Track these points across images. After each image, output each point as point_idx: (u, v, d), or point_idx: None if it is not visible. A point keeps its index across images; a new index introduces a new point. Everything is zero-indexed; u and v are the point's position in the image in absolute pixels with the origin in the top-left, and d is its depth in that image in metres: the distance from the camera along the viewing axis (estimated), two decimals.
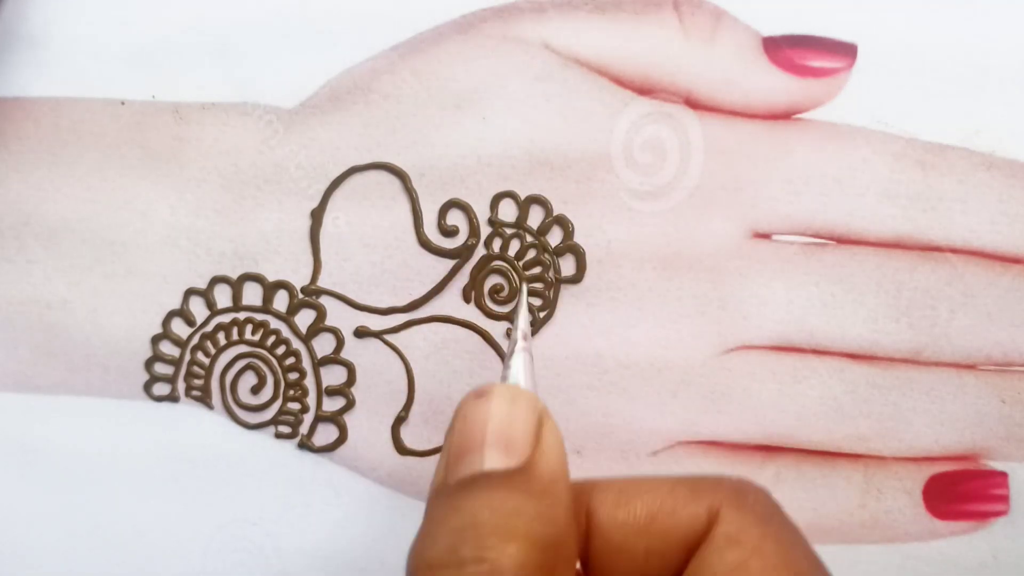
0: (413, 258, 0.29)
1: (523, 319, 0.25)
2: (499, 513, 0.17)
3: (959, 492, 0.27)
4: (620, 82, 0.28)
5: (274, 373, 0.30)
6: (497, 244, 0.29)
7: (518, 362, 0.23)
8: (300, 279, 0.30)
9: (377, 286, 0.29)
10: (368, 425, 0.30)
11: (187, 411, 0.31)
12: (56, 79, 0.31)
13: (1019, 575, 0.26)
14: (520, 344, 0.23)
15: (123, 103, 0.31)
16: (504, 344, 0.29)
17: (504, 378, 0.22)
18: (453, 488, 0.18)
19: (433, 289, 0.29)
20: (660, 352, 0.28)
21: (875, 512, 0.27)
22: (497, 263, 0.29)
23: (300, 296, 0.30)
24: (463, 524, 0.17)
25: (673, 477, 0.20)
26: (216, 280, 0.30)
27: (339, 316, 0.30)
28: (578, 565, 0.20)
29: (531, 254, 0.28)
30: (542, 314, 0.28)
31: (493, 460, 0.18)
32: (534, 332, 0.28)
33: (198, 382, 0.31)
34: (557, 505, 0.18)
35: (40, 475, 0.32)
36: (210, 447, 0.31)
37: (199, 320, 0.31)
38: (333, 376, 0.30)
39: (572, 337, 0.28)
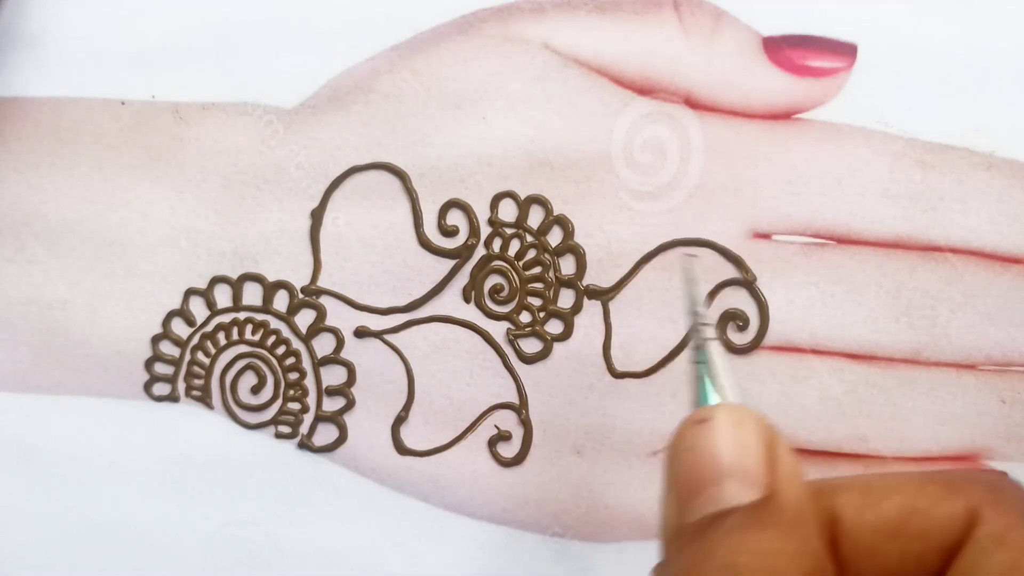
0: (413, 258, 0.29)
1: (701, 305, 0.21)
2: (758, 556, 0.16)
3: None
4: (620, 82, 0.28)
5: (274, 373, 0.30)
6: (497, 244, 0.29)
7: (719, 363, 0.20)
8: (300, 279, 0.30)
9: (377, 286, 0.29)
10: (368, 425, 0.30)
11: (187, 411, 0.31)
12: (56, 79, 0.31)
13: None
14: (706, 331, 0.20)
15: (123, 103, 0.31)
16: (503, 344, 0.29)
17: (701, 379, 0.20)
18: (695, 529, 0.17)
19: (433, 289, 0.29)
20: (659, 352, 0.28)
21: None
22: (497, 263, 0.29)
23: (300, 296, 0.30)
24: (719, 570, 0.16)
25: (920, 473, 0.19)
26: (216, 280, 0.30)
27: (339, 316, 0.30)
28: None
29: (531, 254, 0.28)
30: (554, 330, 0.28)
31: (733, 495, 0.17)
32: (546, 353, 0.28)
33: (198, 382, 0.31)
34: (811, 534, 0.17)
35: (40, 475, 0.32)
36: (210, 447, 0.31)
37: (199, 320, 0.31)
38: (333, 376, 0.30)
39: (572, 337, 0.28)
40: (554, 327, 0.28)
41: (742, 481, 0.17)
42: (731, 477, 0.17)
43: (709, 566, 0.17)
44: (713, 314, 0.27)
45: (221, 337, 0.31)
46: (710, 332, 0.20)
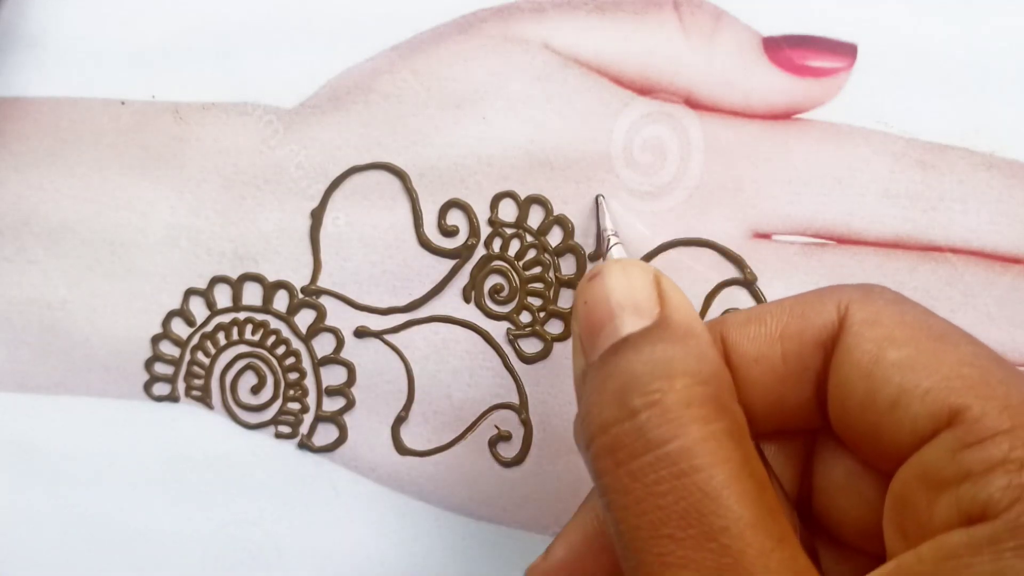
0: (413, 258, 0.29)
1: (606, 219, 0.27)
2: (654, 362, 0.18)
3: None
4: (620, 82, 0.28)
5: (274, 373, 0.30)
6: (497, 244, 0.29)
7: (616, 251, 0.25)
8: (300, 279, 0.30)
9: (377, 286, 0.29)
10: (368, 425, 0.30)
11: (187, 411, 0.31)
12: (56, 79, 0.31)
13: None
14: (613, 239, 0.25)
15: (123, 103, 0.31)
16: (503, 344, 0.29)
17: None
18: (599, 363, 0.19)
19: (433, 289, 0.29)
20: None
21: None
22: (497, 263, 0.29)
23: (300, 296, 0.30)
24: (623, 381, 0.18)
25: (796, 294, 0.20)
26: (216, 280, 0.30)
27: (339, 316, 0.30)
28: None
29: (531, 254, 0.28)
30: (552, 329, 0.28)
31: (628, 325, 0.19)
32: (546, 353, 0.28)
33: (198, 382, 0.31)
34: (702, 344, 0.19)
35: (40, 475, 0.32)
36: (210, 447, 0.31)
37: (199, 320, 0.31)
38: (333, 376, 0.30)
39: (571, 338, 0.28)
40: (554, 327, 0.28)
41: (634, 313, 0.19)
42: (623, 311, 0.19)
43: (612, 383, 0.18)
44: (714, 314, 0.27)
45: (221, 337, 0.31)
46: (615, 239, 0.25)
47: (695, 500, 0.17)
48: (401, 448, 0.29)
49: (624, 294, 0.19)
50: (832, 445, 0.20)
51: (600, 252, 0.26)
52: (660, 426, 0.17)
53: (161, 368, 0.31)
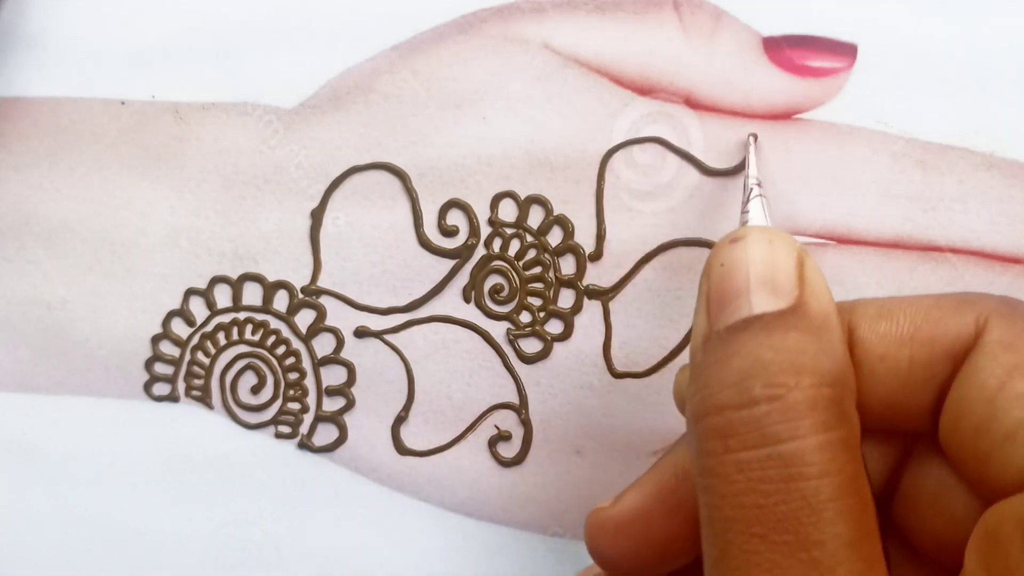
0: (413, 258, 0.29)
1: (753, 167, 0.25)
2: (783, 351, 0.17)
3: None
4: (620, 82, 0.28)
5: (274, 373, 0.30)
6: (497, 244, 0.29)
7: (757, 207, 0.23)
8: (300, 279, 0.30)
9: (377, 286, 0.29)
10: (368, 425, 0.30)
11: (187, 411, 0.31)
12: (56, 79, 0.31)
13: None
14: (756, 191, 0.23)
15: (123, 103, 0.31)
16: (503, 344, 0.29)
17: (744, 223, 0.22)
18: (725, 334, 0.18)
19: (433, 289, 0.29)
20: (659, 352, 0.28)
21: None
22: (497, 263, 0.29)
23: (300, 296, 0.30)
24: (748, 364, 0.17)
25: (936, 294, 0.19)
26: (216, 280, 0.30)
27: (339, 316, 0.30)
28: None
29: (531, 254, 0.28)
30: (556, 331, 0.28)
31: (763, 303, 0.18)
32: (546, 353, 0.28)
33: (198, 382, 0.31)
34: (835, 340, 0.18)
35: (40, 475, 0.32)
36: (210, 447, 0.31)
37: (199, 320, 0.31)
38: (333, 376, 0.30)
39: (572, 336, 0.28)
40: (554, 327, 0.28)
41: (771, 291, 0.18)
42: (761, 287, 0.18)
43: (736, 361, 0.17)
44: None
45: (221, 337, 0.31)
46: (758, 190, 0.23)
47: (797, 507, 0.16)
48: (401, 448, 0.29)
49: (765, 268, 0.19)
50: (931, 453, 0.20)
51: (745, 196, 0.24)
52: (780, 423, 0.16)
53: (161, 368, 0.31)
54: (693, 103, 0.27)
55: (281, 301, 0.30)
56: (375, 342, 0.29)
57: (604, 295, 0.28)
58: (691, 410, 0.18)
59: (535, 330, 0.28)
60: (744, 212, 0.23)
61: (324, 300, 0.30)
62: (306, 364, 0.30)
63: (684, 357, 0.28)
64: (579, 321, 0.28)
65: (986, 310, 0.18)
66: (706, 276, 0.19)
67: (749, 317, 0.18)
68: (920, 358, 0.19)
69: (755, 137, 0.26)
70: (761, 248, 0.19)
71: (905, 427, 0.20)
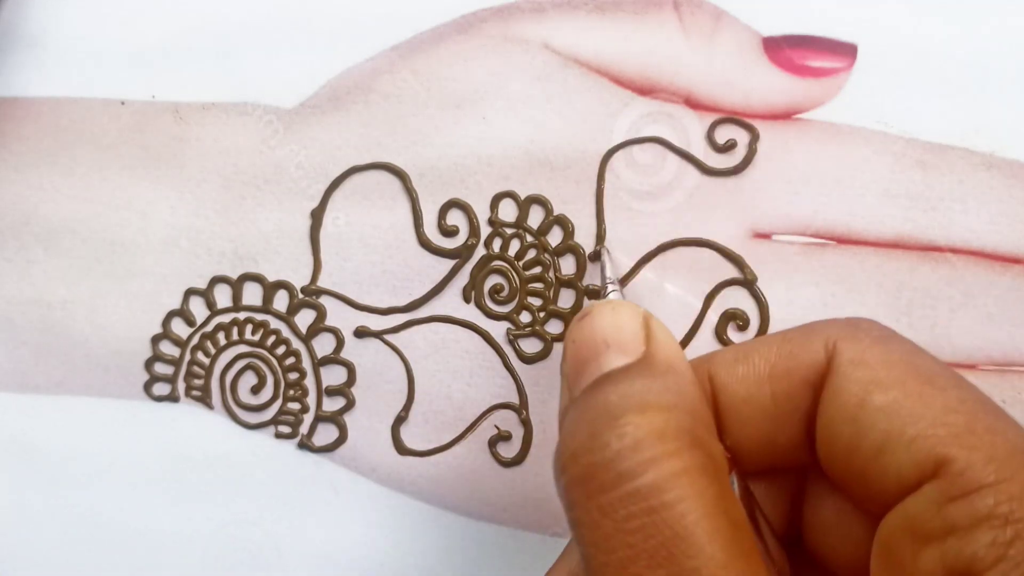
0: (413, 258, 0.29)
1: (609, 268, 0.27)
2: (629, 395, 0.18)
3: None
4: (620, 82, 0.28)
5: (274, 373, 0.30)
6: (497, 244, 0.29)
7: (614, 296, 0.25)
8: (300, 279, 0.30)
9: (377, 286, 0.29)
10: (368, 425, 0.30)
11: (187, 411, 0.31)
12: (56, 79, 0.31)
13: None
14: (611, 287, 0.26)
15: (123, 103, 0.31)
16: (503, 344, 0.29)
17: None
18: (580, 396, 0.19)
19: (433, 289, 0.29)
20: None
21: None
22: (497, 263, 0.29)
23: (300, 296, 0.30)
24: (597, 414, 0.18)
25: (784, 330, 0.20)
26: (216, 280, 0.30)
27: (339, 316, 0.30)
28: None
29: (531, 254, 0.28)
30: (552, 330, 0.28)
31: (612, 362, 0.19)
32: (546, 353, 0.28)
33: (198, 382, 0.31)
34: (682, 380, 0.19)
35: (40, 475, 0.32)
36: (210, 447, 0.31)
37: (199, 320, 0.31)
38: (333, 376, 0.30)
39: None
40: (554, 327, 0.28)
41: (619, 350, 0.19)
42: (609, 349, 0.19)
43: (587, 415, 0.18)
44: (713, 315, 0.27)
45: (221, 337, 0.31)
46: (612, 287, 0.26)
47: (665, 538, 0.16)
48: (401, 448, 0.29)
49: (611, 332, 0.19)
50: (822, 483, 0.20)
51: (603, 292, 0.26)
52: (631, 459, 0.17)
53: (161, 368, 0.31)
54: (693, 103, 0.27)
55: (281, 301, 0.30)
56: (375, 342, 0.29)
57: (604, 295, 0.28)
58: (553, 465, 0.19)
59: (535, 330, 0.28)
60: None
61: (324, 300, 0.30)
62: (306, 364, 0.30)
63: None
64: None
65: (832, 334, 0.19)
66: (563, 358, 0.20)
67: (599, 377, 0.19)
68: (781, 392, 0.19)
69: (605, 249, 0.28)
70: (606, 316, 0.20)
71: (789, 462, 0.20)
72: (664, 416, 0.17)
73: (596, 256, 0.28)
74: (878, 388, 0.18)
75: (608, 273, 0.26)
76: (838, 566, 0.20)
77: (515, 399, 0.29)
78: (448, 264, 0.29)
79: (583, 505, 0.17)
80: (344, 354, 0.30)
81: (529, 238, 0.28)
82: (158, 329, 0.31)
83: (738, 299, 0.27)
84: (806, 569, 0.21)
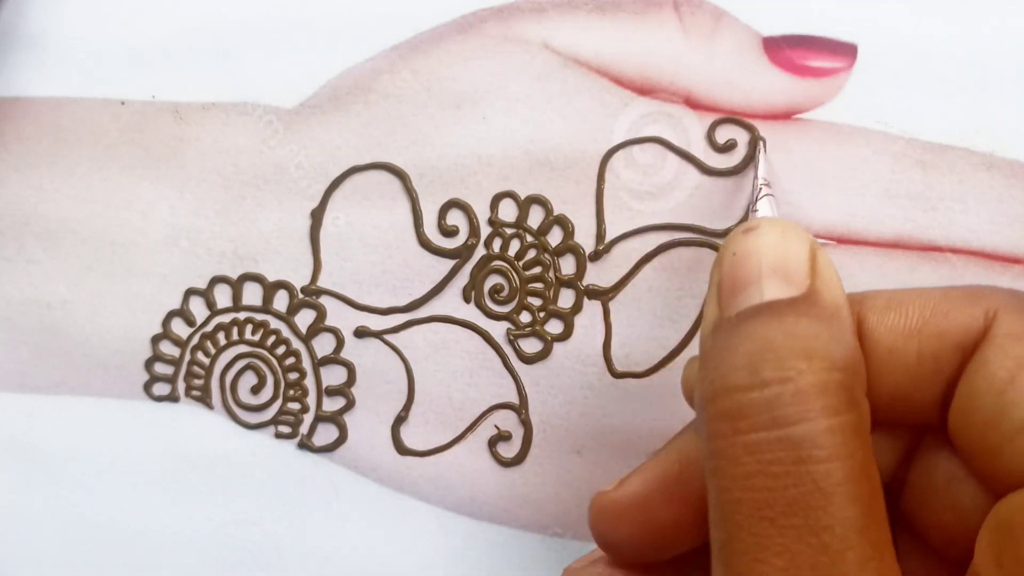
0: (413, 258, 0.29)
1: (762, 167, 0.25)
2: (795, 336, 0.17)
3: None
4: (620, 82, 0.28)
5: (274, 373, 0.30)
6: (497, 244, 0.29)
7: (766, 205, 0.23)
8: (300, 279, 0.30)
9: (377, 286, 0.29)
10: (368, 425, 0.30)
11: (187, 411, 0.31)
12: (56, 79, 0.31)
13: None
14: (765, 190, 0.23)
15: (123, 103, 0.31)
16: (503, 344, 0.29)
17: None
18: (736, 320, 0.18)
19: (433, 289, 0.29)
20: (660, 353, 0.28)
21: None
22: (497, 263, 0.29)
23: (300, 296, 0.30)
24: (759, 348, 0.17)
25: (944, 287, 0.19)
26: (216, 280, 0.30)
27: (339, 316, 0.30)
28: None
29: (531, 254, 0.28)
30: (556, 331, 0.28)
31: (774, 290, 0.18)
32: (546, 353, 0.28)
33: (198, 382, 0.31)
34: (846, 329, 0.18)
35: (40, 475, 0.32)
36: (210, 447, 0.31)
37: (199, 320, 0.31)
38: (333, 376, 0.30)
39: (572, 336, 0.28)
40: (554, 327, 0.28)
41: (783, 279, 0.18)
42: (773, 275, 0.18)
43: (747, 345, 0.17)
44: None
45: (221, 337, 0.31)
46: (767, 190, 0.23)
47: (807, 491, 0.16)
48: (401, 448, 0.29)
49: (777, 256, 0.18)
50: (940, 445, 0.20)
51: (753, 196, 0.24)
52: (790, 405, 0.16)
53: (161, 368, 0.31)
54: (693, 103, 0.27)
55: (281, 301, 0.30)
56: (375, 342, 0.29)
57: (604, 295, 0.28)
58: (700, 394, 0.18)
59: (535, 330, 0.28)
60: (753, 211, 0.23)
61: (324, 300, 0.30)
62: (306, 364, 0.30)
63: (684, 357, 0.28)
64: (579, 321, 0.28)
65: (995, 303, 0.18)
66: (717, 265, 0.19)
67: (760, 304, 0.18)
68: (928, 351, 0.19)
69: (763, 141, 0.26)
70: (774, 237, 0.19)
71: (914, 420, 0.20)
72: (828, 368, 0.17)
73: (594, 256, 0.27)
74: None
75: (761, 172, 0.25)
76: (934, 533, 0.20)
77: (515, 399, 0.29)
78: (448, 264, 0.29)
79: (728, 438, 0.17)
80: (344, 354, 0.30)
81: (529, 238, 0.28)
82: (158, 329, 0.31)
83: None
84: (897, 525, 0.20)
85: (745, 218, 0.27)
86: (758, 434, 0.17)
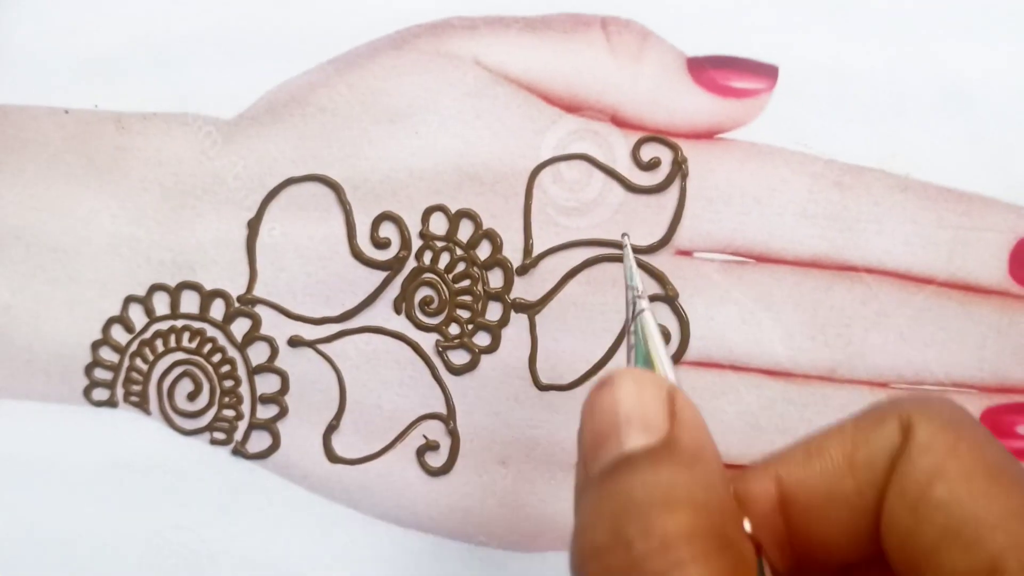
0: (346, 269, 0.29)
1: (636, 275, 0.23)
2: (654, 488, 0.17)
3: None
4: (549, 99, 0.28)
5: (210, 380, 0.31)
6: (428, 257, 0.29)
7: (649, 324, 0.21)
8: (236, 288, 0.30)
9: (311, 296, 0.30)
10: (300, 433, 0.30)
11: (125, 416, 0.31)
12: (1, 87, 0.31)
13: None
14: (640, 303, 0.22)
15: (67, 112, 0.31)
16: (432, 355, 0.29)
17: (631, 345, 0.21)
18: (598, 478, 0.18)
19: (365, 300, 0.29)
20: (584, 366, 0.28)
21: None
22: (427, 275, 0.29)
23: (236, 305, 0.30)
24: (619, 506, 0.17)
25: (851, 416, 0.19)
26: (155, 288, 0.31)
27: (274, 325, 0.30)
28: (747, 526, 0.19)
29: (460, 267, 0.29)
30: (483, 343, 0.29)
31: (633, 441, 0.18)
32: (474, 365, 0.29)
33: (136, 388, 0.31)
34: (711, 472, 0.18)
35: None
36: (147, 452, 0.31)
37: (138, 327, 0.31)
38: (267, 384, 0.30)
39: (499, 349, 0.29)
40: (482, 339, 0.29)
41: (641, 429, 0.18)
42: (630, 426, 0.18)
43: (608, 504, 0.17)
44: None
45: (159, 344, 0.31)
46: (644, 303, 0.22)
47: None
48: (332, 456, 0.30)
49: (632, 406, 0.18)
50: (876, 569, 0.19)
51: (631, 313, 0.22)
52: (659, 560, 0.16)
53: (101, 374, 0.31)
54: (619, 121, 0.28)
55: (218, 309, 0.30)
56: (308, 351, 0.30)
57: (531, 308, 0.28)
58: (571, 558, 0.18)
59: (463, 342, 0.29)
60: (630, 332, 0.22)
61: (259, 309, 0.30)
62: (241, 372, 0.30)
63: (608, 370, 0.28)
64: (506, 334, 0.29)
65: (906, 413, 0.18)
66: (580, 426, 0.19)
67: (619, 458, 0.18)
68: (865, 482, 0.18)
69: (627, 236, 0.26)
70: (628, 388, 0.19)
71: (870, 552, 0.19)
72: (693, 515, 0.16)
73: (525, 270, 0.28)
74: (941, 479, 0.17)
75: (635, 280, 0.23)
76: None
77: (443, 410, 0.29)
78: (380, 276, 0.29)
79: None
80: (278, 363, 0.30)
81: (459, 251, 0.29)
82: (98, 335, 0.31)
83: (660, 314, 0.28)
84: None
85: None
86: None
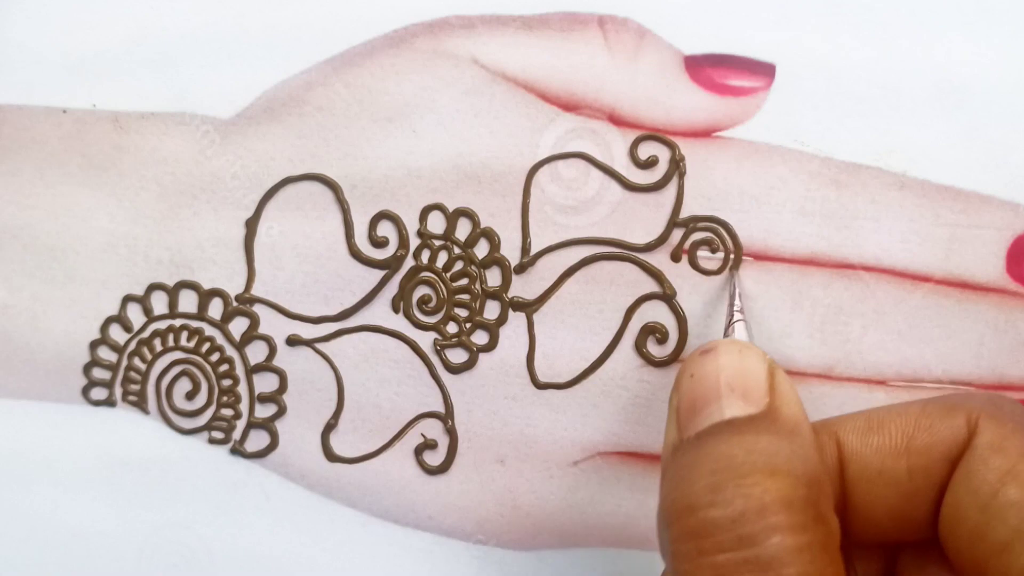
0: (344, 268, 0.29)
1: (737, 296, 0.26)
2: (756, 453, 0.17)
3: None
4: (546, 98, 0.28)
5: (208, 379, 0.31)
6: (426, 255, 0.29)
7: (739, 329, 0.24)
8: (234, 287, 0.30)
9: (309, 295, 0.30)
10: (298, 432, 0.30)
11: (123, 416, 0.31)
12: None
13: None
14: (737, 316, 0.24)
15: (64, 111, 0.31)
16: (430, 353, 0.29)
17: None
18: (695, 440, 0.18)
19: (363, 299, 0.29)
20: (581, 364, 0.28)
21: None
22: (425, 274, 0.29)
23: (234, 304, 0.30)
24: (719, 467, 0.17)
25: (921, 400, 0.19)
26: (153, 287, 0.31)
27: (272, 324, 0.30)
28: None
29: (458, 266, 0.29)
30: (480, 341, 0.29)
31: (734, 409, 0.18)
32: (472, 364, 0.29)
33: (135, 387, 0.31)
34: (807, 444, 0.18)
35: None
36: (145, 451, 0.31)
37: (136, 326, 0.31)
38: (265, 383, 0.30)
39: (497, 347, 0.29)
40: (480, 338, 0.29)
41: (742, 397, 0.18)
42: (732, 394, 0.18)
43: (707, 464, 0.17)
44: (633, 327, 0.28)
45: (157, 343, 0.31)
46: (740, 316, 0.24)
47: None
48: (330, 455, 0.30)
49: (735, 375, 0.19)
50: (929, 556, 0.19)
51: (727, 320, 0.25)
52: (755, 523, 0.16)
53: (99, 373, 0.31)
54: (617, 120, 0.28)
55: (216, 309, 0.30)
56: (306, 350, 0.30)
57: (528, 307, 0.28)
58: (662, 514, 0.18)
59: (461, 340, 0.29)
60: (728, 335, 0.24)
61: (257, 308, 0.30)
62: (239, 371, 0.30)
63: (605, 369, 0.28)
64: (504, 332, 0.29)
65: (975, 411, 0.18)
66: (676, 389, 0.19)
67: (720, 422, 0.18)
68: (918, 467, 0.19)
69: (735, 271, 0.27)
70: (732, 357, 0.19)
71: (909, 535, 0.19)
72: (792, 484, 0.16)
73: (520, 269, 0.28)
74: (1014, 480, 0.17)
75: (737, 303, 0.25)
76: None
77: (441, 408, 0.29)
78: (378, 275, 0.29)
79: (694, 560, 0.16)
80: (276, 362, 0.30)
81: (456, 250, 0.29)
82: (96, 334, 0.31)
83: (658, 313, 0.28)
84: None
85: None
86: (724, 555, 0.16)
